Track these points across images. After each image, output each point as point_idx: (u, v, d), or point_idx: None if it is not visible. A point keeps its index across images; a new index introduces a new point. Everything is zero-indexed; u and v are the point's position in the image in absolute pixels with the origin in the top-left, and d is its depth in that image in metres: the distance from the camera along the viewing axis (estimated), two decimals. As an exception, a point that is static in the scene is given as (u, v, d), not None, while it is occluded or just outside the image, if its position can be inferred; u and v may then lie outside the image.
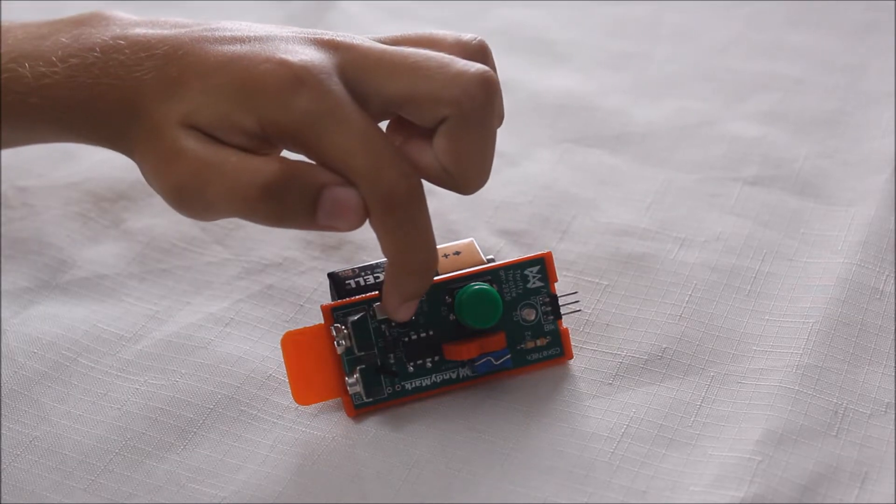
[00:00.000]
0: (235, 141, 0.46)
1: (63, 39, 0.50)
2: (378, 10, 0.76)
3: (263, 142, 0.46)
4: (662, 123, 0.65)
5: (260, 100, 0.45)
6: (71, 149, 0.64)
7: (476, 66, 0.47)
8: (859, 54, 0.70)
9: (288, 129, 0.45)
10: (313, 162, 0.46)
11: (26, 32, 0.51)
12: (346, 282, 0.50)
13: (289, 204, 0.45)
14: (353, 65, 0.47)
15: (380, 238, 0.46)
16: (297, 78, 0.45)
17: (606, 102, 0.67)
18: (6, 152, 0.63)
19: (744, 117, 0.65)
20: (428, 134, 0.47)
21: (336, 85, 0.46)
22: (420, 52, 0.47)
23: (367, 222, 0.46)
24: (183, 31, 0.49)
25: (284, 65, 0.46)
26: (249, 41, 0.47)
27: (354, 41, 0.47)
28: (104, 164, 0.63)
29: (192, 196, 0.46)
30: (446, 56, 0.47)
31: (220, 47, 0.47)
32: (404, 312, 0.48)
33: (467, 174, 0.47)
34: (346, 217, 0.45)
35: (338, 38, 0.48)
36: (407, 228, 0.46)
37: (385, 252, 0.46)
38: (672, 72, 0.70)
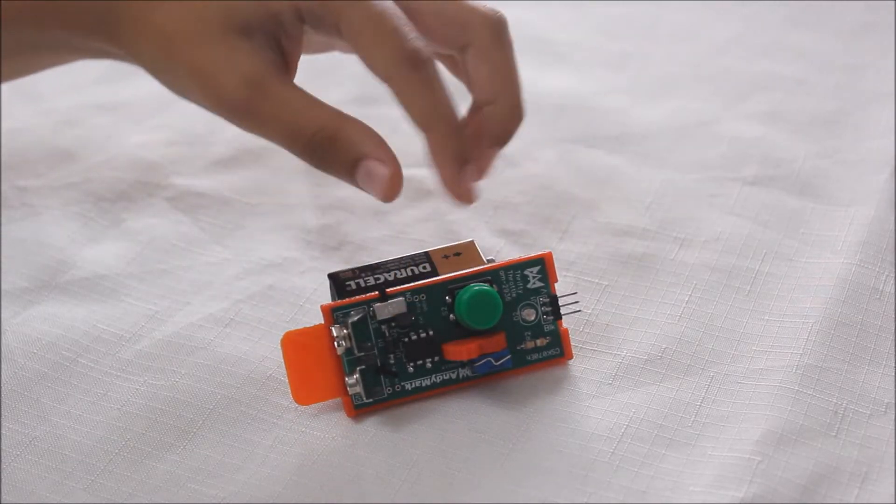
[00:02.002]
0: (270, 29, 0.51)
1: None
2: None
3: (296, 29, 0.52)
4: (662, 123, 0.65)
5: None
6: (71, 149, 0.64)
7: (488, 6, 0.53)
8: (859, 54, 0.70)
9: (320, 9, 0.51)
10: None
11: None
12: (347, 283, 0.50)
13: (330, 161, 0.51)
14: None
15: (410, 103, 0.50)
16: None
17: (606, 102, 0.67)
18: (6, 152, 0.63)
19: (744, 117, 0.65)
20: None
21: None
22: None
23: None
24: None
25: None
26: None
27: None
28: (104, 164, 0.63)
29: (247, 111, 0.51)
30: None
31: None
32: (467, 190, 0.52)
33: (503, 90, 0.53)
34: (377, 188, 0.50)
35: None
36: (433, 84, 0.50)
37: (417, 116, 0.50)
38: (671, 72, 0.70)
